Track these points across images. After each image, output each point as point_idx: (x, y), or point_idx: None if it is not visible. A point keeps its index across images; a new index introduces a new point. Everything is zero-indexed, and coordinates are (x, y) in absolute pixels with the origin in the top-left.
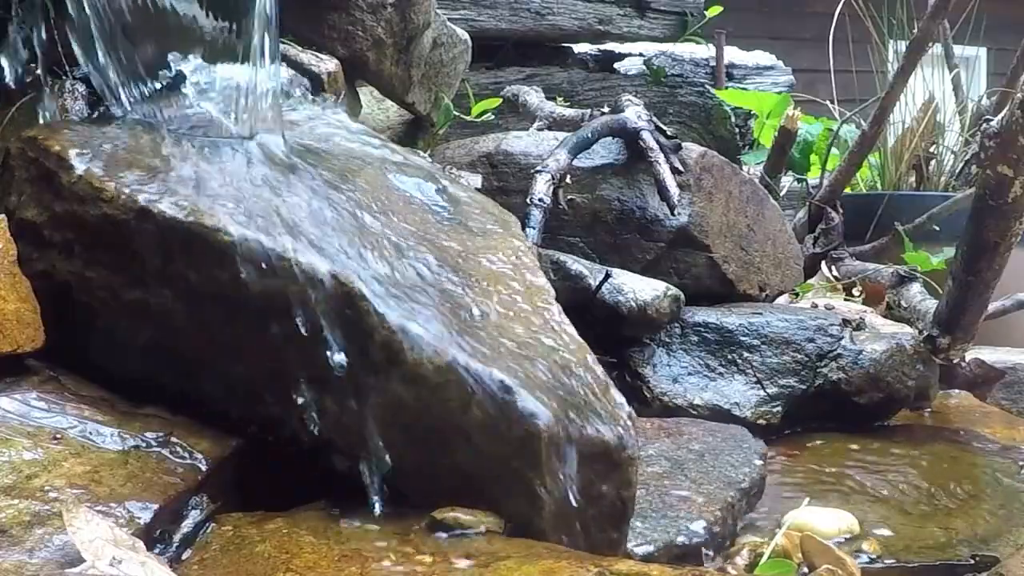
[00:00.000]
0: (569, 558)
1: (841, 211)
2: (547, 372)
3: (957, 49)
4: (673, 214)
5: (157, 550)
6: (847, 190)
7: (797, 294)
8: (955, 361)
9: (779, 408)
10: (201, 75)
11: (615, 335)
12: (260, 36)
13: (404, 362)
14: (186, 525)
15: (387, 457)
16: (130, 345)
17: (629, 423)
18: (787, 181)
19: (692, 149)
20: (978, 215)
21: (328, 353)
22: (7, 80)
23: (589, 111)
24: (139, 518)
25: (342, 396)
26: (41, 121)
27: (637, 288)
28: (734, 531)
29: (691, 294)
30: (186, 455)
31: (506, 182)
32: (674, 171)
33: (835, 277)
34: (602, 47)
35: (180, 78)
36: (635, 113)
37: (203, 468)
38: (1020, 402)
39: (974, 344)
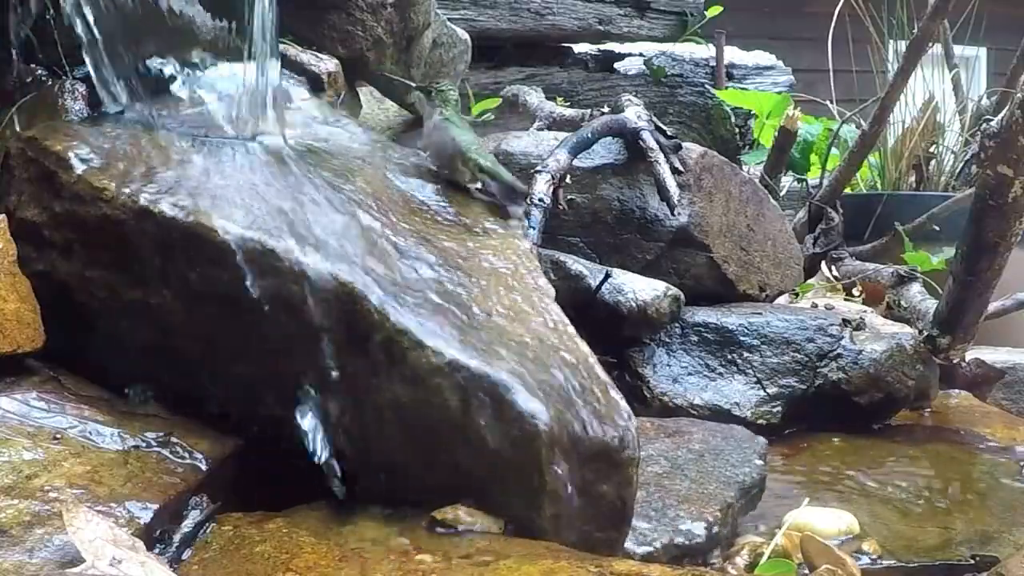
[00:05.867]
0: (569, 558)
1: (841, 211)
2: (547, 372)
3: (957, 49)
4: (673, 214)
5: (157, 550)
6: (847, 190)
7: (797, 294)
8: (955, 361)
9: (779, 408)
10: (201, 75)
11: (615, 335)
12: (260, 36)
13: (404, 362)
14: (186, 525)
15: (387, 457)
16: (130, 345)
17: (629, 423)
18: (787, 181)
19: (692, 149)
20: (978, 215)
21: (328, 354)
22: (7, 80)
23: (589, 111)
24: (139, 518)
25: (342, 396)
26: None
27: (637, 288)
28: (734, 531)
29: (691, 294)
30: (186, 455)
31: None
32: (674, 171)
33: (835, 277)
34: (602, 47)
35: (180, 78)
36: (635, 113)
37: (203, 468)
38: (1020, 402)
39: (974, 344)
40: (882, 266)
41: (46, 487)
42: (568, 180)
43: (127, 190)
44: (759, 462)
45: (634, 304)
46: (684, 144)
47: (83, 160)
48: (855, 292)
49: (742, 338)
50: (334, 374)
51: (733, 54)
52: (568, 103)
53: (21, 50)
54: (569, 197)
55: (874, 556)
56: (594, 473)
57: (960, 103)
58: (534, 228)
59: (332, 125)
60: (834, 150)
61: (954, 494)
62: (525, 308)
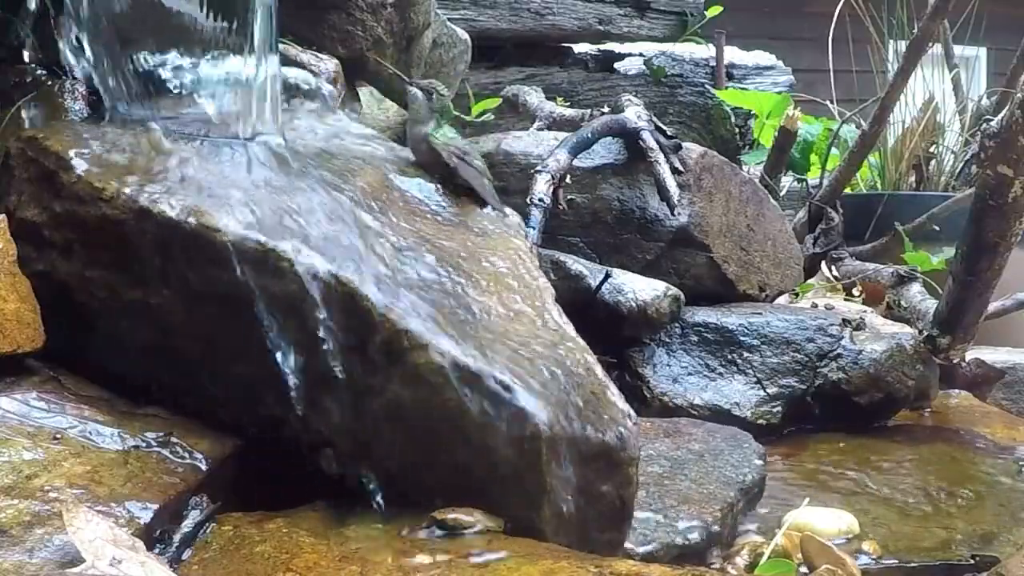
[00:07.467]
0: (569, 558)
1: (841, 211)
2: (547, 372)
3: (957, 49)
4: (673, 214)
5: (157, 550)
6: (847, 190)
7: (797, 294)
8: (955, 361)
9: (779, 408)
10: (201, 75)
11: (615, 335)
12: (260, 36)
13: (404, 362)
14: (186, 525)
15: (387, 457)
16: (130, 345)
17: (629, 423)
18: (787, 181)
19: (692, 149)
20: (978, 215)
21: (327, 354)
22: (7, 80)
23: (589, 111)
24: (139, 518)
25: (342, 396)
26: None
27: (637, 288)
28: (734, 531)
29: (691, 294)
30: (186, 455)
31: (506, 182)
32: (674, 171)
33: (835, 277)
34: (602, 47)
35: (180, 78)
36: (635, 113)
37: (203, 468)
38: (1020, 402)
39: (974, 344)
40: (882, 266)
41: (46, 487)
42: (568, 180)
43: (127, 190)
44: (759, 462)
45: (634, 304)
46: (684, 144)
47: (83, 160)
48: (855, 292)
49: (742, 338)
50: (333, 375)
51: (733, 54)
52: (568, 103)
53: (22, 50)
54: (569, 197)
55: (874, 556)
56: (594, 473)
57: (960, 103)
58: (534, 228)
59: (332, 125)
60: (834, 150)
61: (954, 494)
62: (525, 308)
